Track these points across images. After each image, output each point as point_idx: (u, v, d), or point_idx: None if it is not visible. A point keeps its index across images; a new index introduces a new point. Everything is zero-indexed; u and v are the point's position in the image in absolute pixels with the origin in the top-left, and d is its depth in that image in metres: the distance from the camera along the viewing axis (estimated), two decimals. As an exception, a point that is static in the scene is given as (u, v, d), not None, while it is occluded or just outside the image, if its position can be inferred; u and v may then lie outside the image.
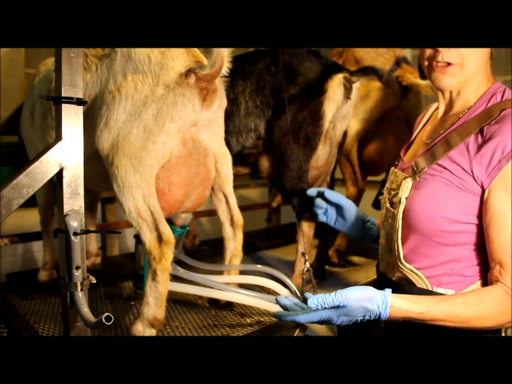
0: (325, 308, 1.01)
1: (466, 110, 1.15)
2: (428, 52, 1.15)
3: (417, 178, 1.14)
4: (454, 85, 1.15)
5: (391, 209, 1.21)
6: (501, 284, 1.02)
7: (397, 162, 1.33)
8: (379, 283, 1.30)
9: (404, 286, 1.16)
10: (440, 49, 1.11)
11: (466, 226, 1.08)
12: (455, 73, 1.12)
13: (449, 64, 1.11)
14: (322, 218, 1.52)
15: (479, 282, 1.10)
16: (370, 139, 2.31)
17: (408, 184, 1.16)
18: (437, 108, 1.30)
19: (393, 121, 2.30)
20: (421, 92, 2.09)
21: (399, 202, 1.16)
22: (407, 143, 1.35)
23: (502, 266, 1.02)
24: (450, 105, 1.21)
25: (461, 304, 1.01)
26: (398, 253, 1.16)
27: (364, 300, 1.00)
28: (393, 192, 1.22)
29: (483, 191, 1.05)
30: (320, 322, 1.04)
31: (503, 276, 1.02)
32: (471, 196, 1.06)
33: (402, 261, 1.15)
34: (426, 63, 1.17)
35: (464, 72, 1.12)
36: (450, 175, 1.08)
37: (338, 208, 1.48)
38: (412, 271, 1.14)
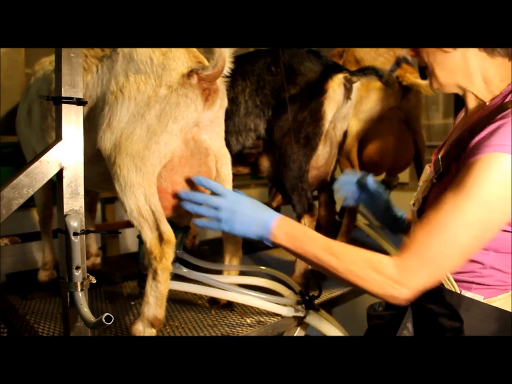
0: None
1: (480, 110, 1.13)
2: None
3: (434, 181, 1.13)
4: (440, 87, 1.16)
5: (412, 206, 1.22)
6: (393, 258, 0.99)
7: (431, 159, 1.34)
8: None
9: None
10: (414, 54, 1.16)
11: None
12: (431, 75, 1.16)
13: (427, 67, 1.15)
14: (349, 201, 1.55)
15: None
16: (370, 139, 2.31)
17: (427, 184, 1.16)
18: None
19: (394, 121, 2.30)
20: (421, 92, 2.09)
21: (417, 200, 1.18)
22: (442, 142, 1.35)
23: (407, 247, 0.99)
24: (467, 106, 1.20)
25: (343, 245, 1.06)
26: None
27: (260, 205, 1.15)
28: (418, 189, 1.24)
29: None
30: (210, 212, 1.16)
31: (401, 253, 0.99)
32: None
33: None
34: None
35: (437, 75, 1.14)
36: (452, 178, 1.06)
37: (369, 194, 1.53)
38: None
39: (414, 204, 1.22)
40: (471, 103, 1.16)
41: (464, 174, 0.96)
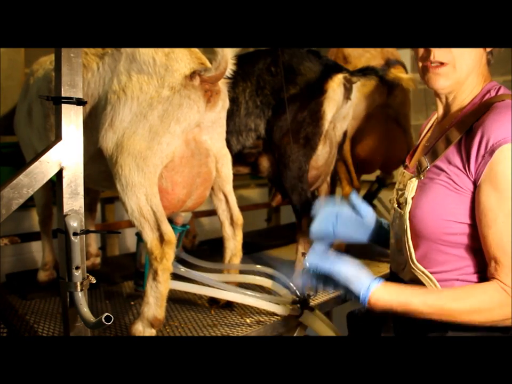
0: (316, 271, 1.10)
1: (461, 109, 1.15)
2: (421, 52, 1.15)
3: (422, 178, 1.13)
4: (448, 86, 1.15)
5: (398, 209, 1.20)
6: (497, 280, 1.00)
7: (404, 163, 1.32)
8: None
9: None
10: (432, 48, 1.10)
11: (469, 227, 1.06)
12: (448, 73, 1.12)
13: (442, 64, 1.11)
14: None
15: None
16: (361, 137, 2.31)
17: (413, 184, 1.15)
18: None
19: (383, 119, 2.31)
20: (404, 86, 2.07)
21: (406, 202, 1.15)
22: (411, 150, 1.35)
23: (496, 262, 1.00)
24: (447, 109, 1.21)
25: (448, 297, 1.02)
26: (410, 253, 1.14)
27: (352, 275, 1.07)
28: (400, 192, 1.22)
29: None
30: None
31: (499, 272, 1.00)
32: (469, 195, 1.05)
33: (415, 261, 1.13)
34: (420, 64, 1.17)
35: (457, 72, 1.12)
36: (447, 177, 1.07)
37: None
38: (423, 272, 1.12)
39: (399, 206, 1.20)
40: (455, 105, 1.18)
41: (488, 174, 1.01)
